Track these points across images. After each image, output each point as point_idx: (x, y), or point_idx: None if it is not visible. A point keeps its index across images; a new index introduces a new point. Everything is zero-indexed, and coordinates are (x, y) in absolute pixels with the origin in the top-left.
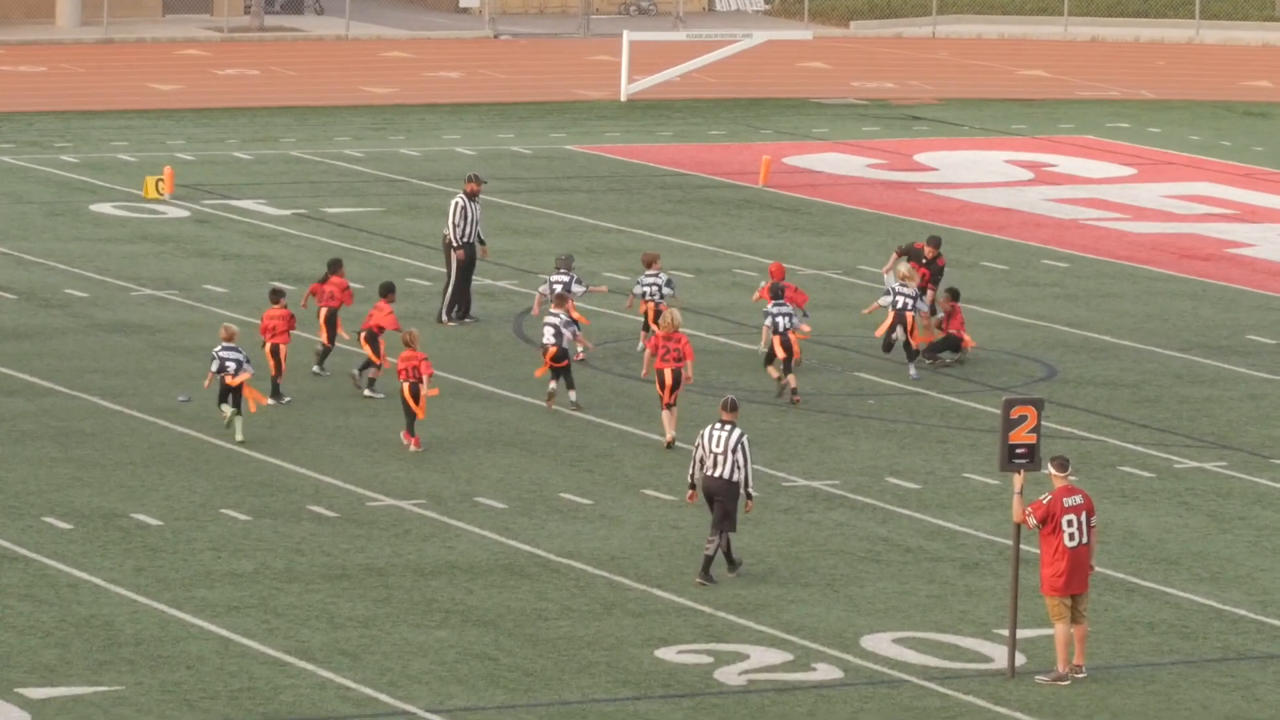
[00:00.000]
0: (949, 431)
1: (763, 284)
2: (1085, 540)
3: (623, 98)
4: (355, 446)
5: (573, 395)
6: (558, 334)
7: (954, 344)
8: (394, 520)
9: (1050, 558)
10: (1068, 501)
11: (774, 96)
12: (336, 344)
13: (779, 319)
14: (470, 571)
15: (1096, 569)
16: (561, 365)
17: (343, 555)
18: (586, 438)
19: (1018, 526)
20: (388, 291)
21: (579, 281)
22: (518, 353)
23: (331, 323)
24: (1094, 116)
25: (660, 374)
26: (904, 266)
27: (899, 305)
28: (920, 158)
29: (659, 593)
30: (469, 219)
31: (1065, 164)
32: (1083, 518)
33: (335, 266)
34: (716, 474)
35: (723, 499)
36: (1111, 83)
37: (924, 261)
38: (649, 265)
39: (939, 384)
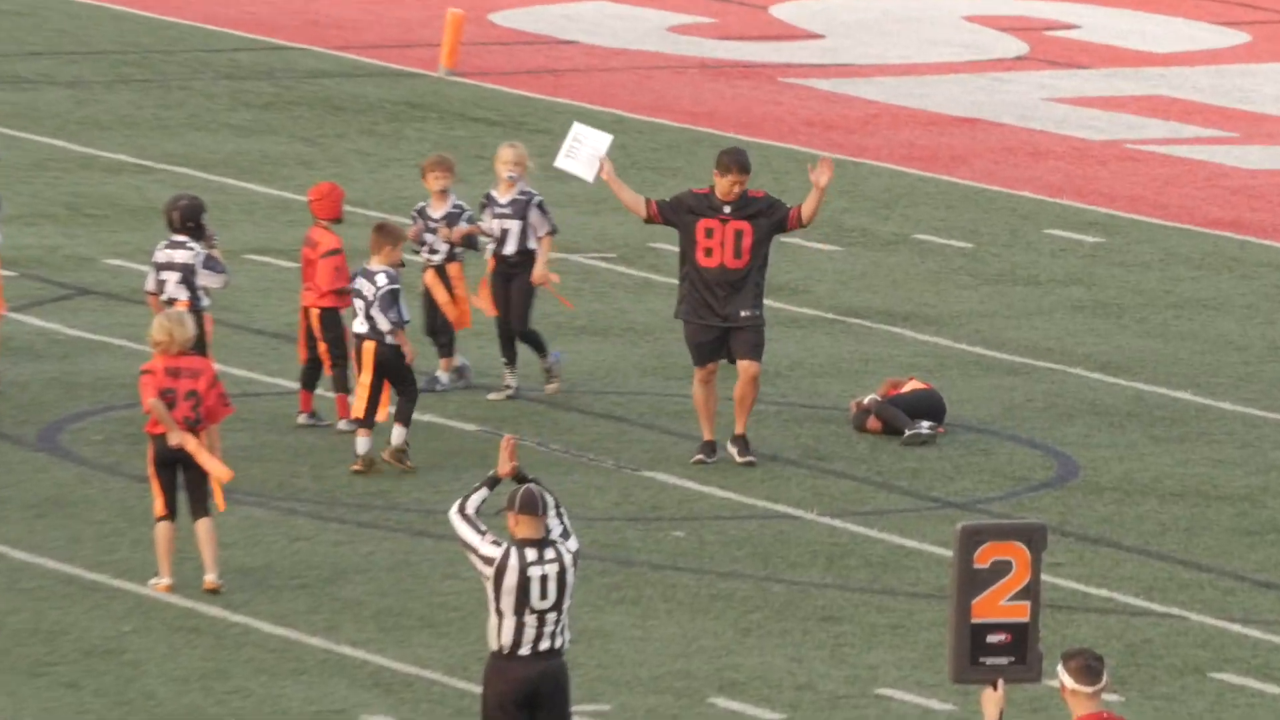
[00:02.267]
0: (848, 596)
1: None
2: None
3: None
4: None
5: (400, 435)
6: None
7: (938, 405)
8: None
9: None
10: None
11: None
12: None
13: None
14: None
15: None
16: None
17: None
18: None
19: None
20: None
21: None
22: None
23: None
24: None
25: (158, 443)
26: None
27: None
28: (781, 11)
29: None
30: None
31: (1094, 25)
32: None
33: None
34: (542, 646)
35: (548, 692)
36: None
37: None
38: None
39: (828, 494)
